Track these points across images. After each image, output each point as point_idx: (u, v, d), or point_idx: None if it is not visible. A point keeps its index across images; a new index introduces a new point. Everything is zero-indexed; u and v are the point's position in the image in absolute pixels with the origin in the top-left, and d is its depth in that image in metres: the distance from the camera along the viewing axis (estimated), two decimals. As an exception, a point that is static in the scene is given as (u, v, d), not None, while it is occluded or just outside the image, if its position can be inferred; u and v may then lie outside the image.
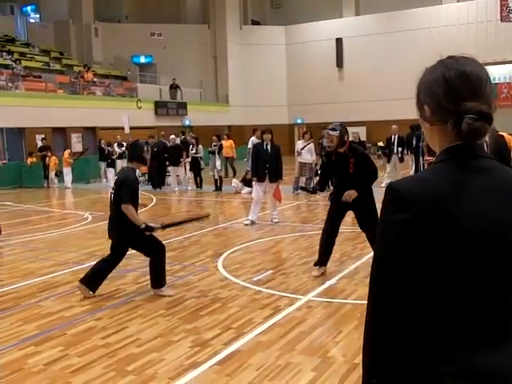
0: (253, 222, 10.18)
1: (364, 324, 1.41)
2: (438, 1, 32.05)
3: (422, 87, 1.48)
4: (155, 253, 5.99)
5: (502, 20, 29.84)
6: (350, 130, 23.23)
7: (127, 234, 5.88)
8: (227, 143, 19.76)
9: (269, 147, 9.96)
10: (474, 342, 1.32)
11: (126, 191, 5.73)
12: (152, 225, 5.94)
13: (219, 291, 6.04)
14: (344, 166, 6.42)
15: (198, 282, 6.45)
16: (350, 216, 11.17)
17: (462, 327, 1.32)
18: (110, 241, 6.13)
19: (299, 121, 33.89)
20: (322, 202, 13.35)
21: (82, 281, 6.02)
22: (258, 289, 6.06)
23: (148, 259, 6.14)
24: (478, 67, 1.43)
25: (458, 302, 1.31)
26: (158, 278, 5.98)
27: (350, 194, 6.34)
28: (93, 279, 6.00)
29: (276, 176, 10.04)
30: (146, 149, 6.03)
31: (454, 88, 1.38)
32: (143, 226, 5.77)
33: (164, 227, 6.30)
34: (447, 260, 1.29)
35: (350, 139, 14.14)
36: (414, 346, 1.34)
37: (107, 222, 6.20)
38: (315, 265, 6.56)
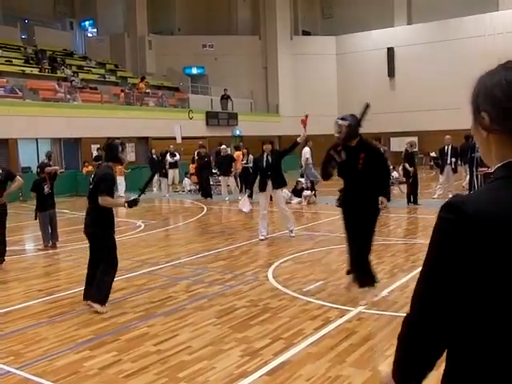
0: (265, 238, 10.01)
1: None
2: (494, 7, 31.28)
3: (480, 92, 1.37)
4: (106, 263, 6.00)
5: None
6: (404, 139, 22.61)
7: (101, 229, 6.02)
8: (237, 155, 18.01)
9: (269, 158, 10.03)
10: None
11: (105, 185, 5.92)
12: (132, 198, 6.23)
13: (269, 301, 6.05)
14: (353, 162, 5.80)
15: (249, 291, 6.48)
16: (399, 227, 11.07)
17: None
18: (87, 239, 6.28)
19: (349, 131, 33.62)
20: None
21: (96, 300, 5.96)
22: (308, 299, 6.04)
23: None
24: None
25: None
26: (99, 290, 5.94)
27: (384, 201, 5.92)
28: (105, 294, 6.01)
29: (279, 183, 10.02)
30: (120, 149, 6.17)
31: (501, 93, 1.30)
32: (126, 204, 6.13)
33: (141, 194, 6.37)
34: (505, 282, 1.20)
35: (406, 149, 13.97)
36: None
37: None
38: (347, 273, 6.27)
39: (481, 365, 1.24)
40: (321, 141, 13.83)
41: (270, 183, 9.97)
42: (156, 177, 20.50)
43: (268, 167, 10.02)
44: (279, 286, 6.62)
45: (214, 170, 17.86)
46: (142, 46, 32.01)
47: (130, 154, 24.46)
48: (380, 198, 5.87)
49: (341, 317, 5.43)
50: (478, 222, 1.21)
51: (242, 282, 6.94)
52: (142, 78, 28.30)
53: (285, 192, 16.25)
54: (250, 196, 12.13)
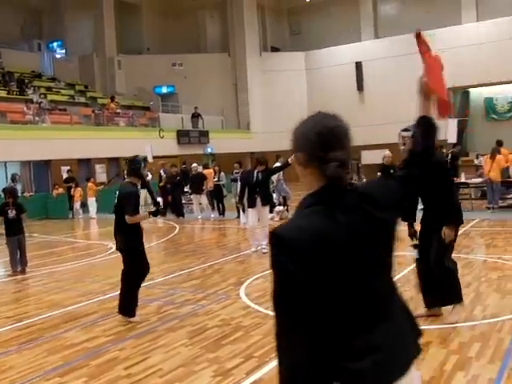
0: (257, 250, 10.23)
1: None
2: (457, 21, 32.07)
3: (297, 137, 1.79)
4: (134, 275, 6.29)
5: (522, 38, 29.71)
6: (375, 152, 22.84)
7: (132, 243, 6.24)
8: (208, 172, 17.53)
9: (259, 174, 10.18)
10: (367, 328, 1.67)
11: (129, 204, 6.08)
12: (153, 209, 6.59)
13: (242, 319, 6.04)
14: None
15: (221, 310, 6.46)
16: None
17: (350, 322, 1.66)
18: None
19: (321, 145, 33.94)
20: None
21: (120, 312, 6.27)
22: (280, 316, 6.03)
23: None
24: (337, 121, 1.79)
25: (346, 305, 1.65)
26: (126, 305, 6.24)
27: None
28: (125, 304, 6.24)
29: (267, 200, 10.18)
30: (143, 165, 6.39)
31: (323, 139, 1.71)
32: (149, 215, 6.49)
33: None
34: (327, 288, 1.61)
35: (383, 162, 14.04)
36: (326, 350, 1.63)
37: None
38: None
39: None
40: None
41: (258, 199, 10.11)
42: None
43: (258, 184, 10.13)
44: (251, 304, 6.61)
45: (185, 189, 17.81)
46: (111, 66, 31.92)
47: (101, 175, 24.30)
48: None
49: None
50: (291, 246, 1.59)
51: (213, 301, 6.91)
52: (112, 98, 28.18)
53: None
54: (243, 211, 12.15)
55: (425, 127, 2.11)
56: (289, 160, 10.09)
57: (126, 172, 6.74)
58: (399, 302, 1.84)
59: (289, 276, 1.60)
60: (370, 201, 1.74)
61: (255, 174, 10.24)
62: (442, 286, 5.60)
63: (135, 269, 6.25)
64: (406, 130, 5.80)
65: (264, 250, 10.13)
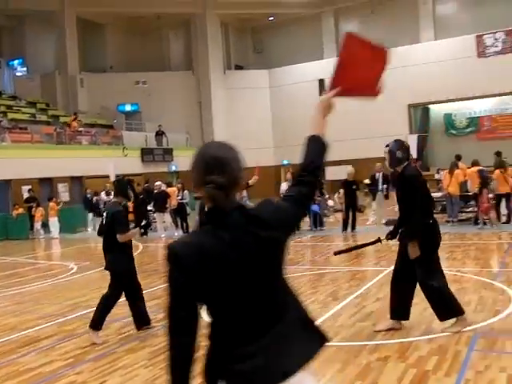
0: None
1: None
2: (416, 39, 32.89)
3: (191, 161, 2.04)
4: (114, 294, 6.37)
5: (478, 56, 30.67)
6: (337, 168, 23.09)
7: (122, 264, 6.34)
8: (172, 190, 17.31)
9: None
10: (252, 335, 1.95)
11: (118, 223, 6.21)
12: (143, 223, 6.82)
13: (202, 339, 5.97)
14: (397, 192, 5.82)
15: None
16: (330, 255, 11.23)
17: (237, 328, 1.98)
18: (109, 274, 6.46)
19: (285, 162, 34.17)
20: (309, 243, 13.39)
21: (90, 325, 6.25)
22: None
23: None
24: (224, 150, 2.04)
25: (229, 312, 1.98)
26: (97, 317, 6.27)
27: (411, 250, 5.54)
28: (96, 319, 6.26)
29: None
30: (128, 186, 6.70)
31: (207, 165, 1.97)
32: (137, 228, 6.90)
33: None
34: (211, 293, 1.96)
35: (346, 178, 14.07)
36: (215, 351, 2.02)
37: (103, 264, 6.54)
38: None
39: (219, 323, 2.03)
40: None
41: None
42: (90, 216, 20.09)
43: None
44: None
45: (149, 207, 17.66)
46: (74, 84, 31.62)
47: (63, 194, 23.93)
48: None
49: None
50: (178, 258, 1.92)
51: (175, 320, 6.83)
52: (75, 115, 27.87)
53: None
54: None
55: (315, 146, 2.28)
56: (249, 182, 10.09)
57: (113, 192, 7.02)
58: (296, 312, 2.06)
59: (174, 281, 1.94)
60: (256, 221, 1.96)
61: None
62: (433, 304, 5.64)
63: (119, 290, 6.38)
64: (386, 145, 5.88)
65: None
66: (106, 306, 6.29)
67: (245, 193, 16.51)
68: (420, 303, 6.72)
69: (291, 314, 2.03)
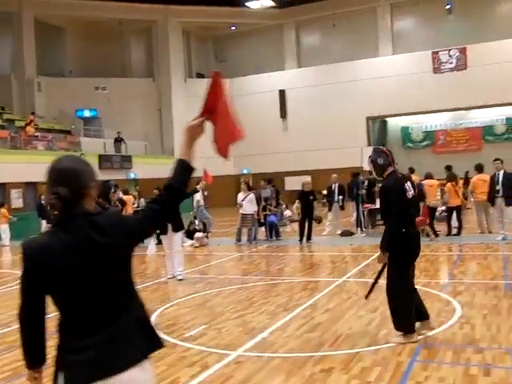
0: (174, 276, 10.15)
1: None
2: (374, 53, 33.53)
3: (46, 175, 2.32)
4: None
5: (434, 72, 31.46)
6: (297, 179, 23.24)
7: None
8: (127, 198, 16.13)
9: None
10: (87, 330, 2.20)
11: None
12: None
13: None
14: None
15: (128, 341, 6.29)
16: (287, 265, 11.27)
17: (75, 323, 2.23)
18: None
19: (245, 171, 34.25)
20: (264, 253, 13.40)
21: None
22: (188, 345, 5.96)
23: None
24: (73, 164, 2.33)
25: (69, 308, 2.24)
26: None
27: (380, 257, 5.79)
28: None
29: (178, 226, 10.17)
30: (112, 190, 6.53)
31: (52, 176, 2.29)
32: None
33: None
34: (53, 287, 2.23)
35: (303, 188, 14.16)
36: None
37: None
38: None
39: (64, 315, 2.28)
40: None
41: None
42: (44, 223, 19.63)
43: None
44: (160, 333, 6.48)
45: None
46: (31, 87, 31.02)
47: (16, 200, 23.35)
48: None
49: (219, 361, 5.39)
50: (26, 252, 2.24)
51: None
52: (32, 114, 27.28)
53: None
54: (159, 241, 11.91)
55: (180, 170, 2.45)
56: (197, 187, 10.17)
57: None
58: (135, 316, 2.30)
59: (23, 269, 2.26)
60: (96, 228, 2.22)
61: None
62: (390, 311, 5.77)
63: None
64: (369, 156, 6.01)
65: (180, 277, 10.05)
66: None
67: (199, 196, 16.38)
68: (366, 315, 6.82)
69: (129, 316, 2.26)
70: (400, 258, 5.63)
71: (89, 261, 2.18)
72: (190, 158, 2.50)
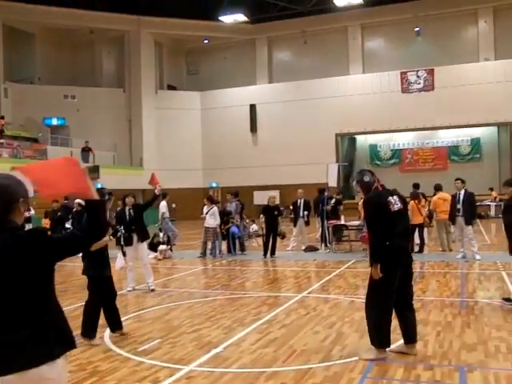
0: (134, 289, 10.14)
1: None
2: (345, 71, 33.99)
3: None
4: (92, 300, 6.71)
5: (402, 91, 32.03)
6: (265, 193, 23.30)
7: (95, 270, 6.67)
8: None
9: (131, 211, 10.16)
10: None
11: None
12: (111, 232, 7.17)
13: (99, 364, 5.80)
14: None
15: (79, 354, 6.16)
16: (248, 280, 11.23)
17: None
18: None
19: (214, 184, 34.19)
20: (226, 267, 13.35)
21: (82, 334, 6.53)
22: (141, 360, 5.87)
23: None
24: (2, 180, 2.53)
25: None
26: (84, 328, 6.58)
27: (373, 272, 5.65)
28: (85, 327, 6.57)
29: (143, 236, 10.18)
30: (106, 198, 7.08)
31: None
32: (110, 237, 7.06)
33: None
34: None
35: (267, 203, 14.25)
36: None
37: None
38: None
39: None
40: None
41: (135, 237, 10.00)
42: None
43: (131, 221, 10.02)
44: (113, 347, 6.38)
45: (67, 225, 17.11)
46: (-3, 93, 30.54)
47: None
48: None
49: (170, 376, 5.32)
50: None
51: (74, 344, 6.58)
52: (2, 121, 26.82)
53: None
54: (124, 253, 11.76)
55: (90, 212, 2.74)
56: (156, 192, 10.25)
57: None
58: (48, 318, 2.53)
59: None
60: (17, 241, 2.44)
61: (127, 211, 10.12)
62: (367, 323, 5.76)
63: (96, 296, 6.68)
64: (353, 180, 6.20)
65: (152, 287, 10.03)
66: (87, 312, 6.66)
67: (164, 208, 16.25)
68: (323, 331, 6.83)
69: (39, 320, 2.49)
70: (380, 271, 5.55)
71: (4, 273, 2.41)
72: (91, 195, 2.82)
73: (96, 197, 2.83)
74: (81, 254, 6.62)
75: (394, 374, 5.22)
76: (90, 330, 6.56)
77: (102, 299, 6.75)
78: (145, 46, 34.94)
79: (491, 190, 28.47)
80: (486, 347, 5.94)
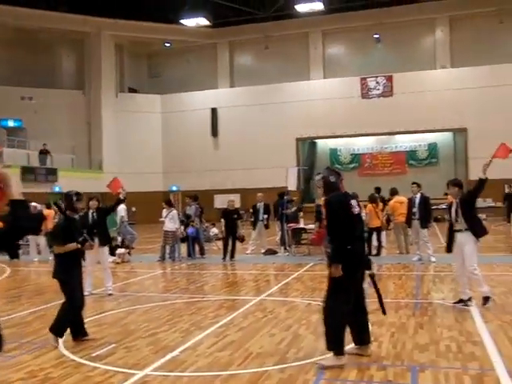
0: (90, 293, 9.93)
1: None
2: (306, 77, 34.30)
3: None
4: (68, 303, 6.65)
5: (362, 97, 32.53)
6: (226, 197, 23.34)
7: (61, 274, 6.69)
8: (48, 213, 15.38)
9: (94, 214, 10.12)
10: None
11: (56, 235, 6.89)
12: (81, 239, 6.91)
13: (52, 370, 5.67)
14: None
15: (31, 360, 6.02)
16: (207, 283, 11.20)
17: None
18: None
19: (174, 188, 33.99)
20: (185, 271, 13.29)
21: (50, 329, 6.58)
22: (94, 365, 5.77)
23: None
24: None
25: None
26: (56, 324, 6.60)
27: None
28: (58, 325, 6.57)
29: (105, 240, 10.15)
30: (75, 199, 7.02)
31: None
32: (78, 245, 6.78)
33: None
34: None
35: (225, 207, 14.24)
36: None
37: None
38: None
39: None
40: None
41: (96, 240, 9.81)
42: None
43: (94, 224, 9.93)
44: (66, 353, 6.26)
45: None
46: (-50, 94, 29.69)
47: None
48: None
49: (124, 381, 5.25)
50: None
51: (26, 351, 6.43)
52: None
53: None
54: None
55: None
56: (120, 196, 10.19)
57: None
58: None
59: None
60: None
61: (90, 215, 10.02)
62: (324, 328, 5.63)
63: (67, 299, 6.67)
64: (318, 173, 5.94)
65: (110, 292, 9.88)
66: (63, 310, 6.65)
67: (123, 212, 16.10)
68: (279, 333, 6.87)
69: None
70: (343, 274, 5.51)
71: None
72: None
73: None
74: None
75: (347, 375, 5.29)
76: (62, 330, 6.57)
77: (79, 302, 6.74)
78: (105, 49, 34.53)
79: (446, 194, 29.10)
80: (437, 347, 6.07)
